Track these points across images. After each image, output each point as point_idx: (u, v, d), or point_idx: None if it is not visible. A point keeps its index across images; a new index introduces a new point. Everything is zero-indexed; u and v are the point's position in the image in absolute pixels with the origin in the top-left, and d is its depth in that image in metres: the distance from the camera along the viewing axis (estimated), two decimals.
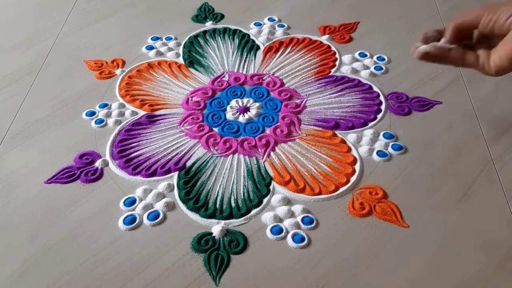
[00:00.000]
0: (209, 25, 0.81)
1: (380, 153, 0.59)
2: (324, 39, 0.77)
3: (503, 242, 0.49)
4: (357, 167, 0.57)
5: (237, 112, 0.64)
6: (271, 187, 0.55)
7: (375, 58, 0.72)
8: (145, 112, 0.65)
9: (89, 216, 0.52)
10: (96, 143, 0.61)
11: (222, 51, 0.76)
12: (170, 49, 0.76)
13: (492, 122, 0.62)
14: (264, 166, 0.58)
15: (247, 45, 0.76)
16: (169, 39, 0.78)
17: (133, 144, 0.61)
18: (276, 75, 0.70)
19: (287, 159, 0.58)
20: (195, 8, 0.85)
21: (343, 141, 0.60)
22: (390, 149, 0.59)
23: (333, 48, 0.75)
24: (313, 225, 0.51)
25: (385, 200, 0.54)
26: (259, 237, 0.50)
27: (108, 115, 0.64)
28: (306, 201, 0.54)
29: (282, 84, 0.69)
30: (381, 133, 0.61)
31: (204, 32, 0.79)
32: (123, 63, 0.73)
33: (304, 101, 0.66)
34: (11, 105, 0.67)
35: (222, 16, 0.83)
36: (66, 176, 0.56)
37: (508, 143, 0.60)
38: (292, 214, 0.52)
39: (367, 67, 0.71)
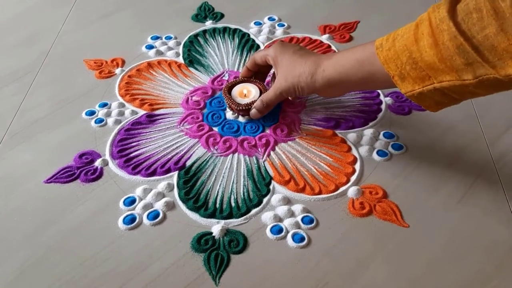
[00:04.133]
0: (209, 24, 0.81)
1: (381, 153, 0.59)
2: (324, 38, 0.77)
3: (503, 242, 0.49)
4: (357, 166, 0.57)
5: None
6: (271, 187, 0.55)
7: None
8: (145, 112, 0.65)
9: (88, 215, 0.52)
10: (95, 142, 0.61)
11: (222, 50, 0.75)
12: (170, 49, 0.76)
13: (492, 122, 0.62)
14: (264, 166, 0.57)
15: (247, 44, 0.76)
16: (169, 38, 0.78)
17: (133, 144, 0.60)
18: None
19: (287, 158, 0.58)
20: (195, 7, 0.85)
21: (343, 141, 0.60)
22: (390, 149, 0.59)
23: (333, 48, 0.75)
24: (313, 224, 0.51)
25: (385, 199, 0.53)
26: (259, 237, 0.50)
27: (108, 114, 0.64)
28: (306, 201, 0.54)
29: None
30: (381, 133, 0.61)
31: (204, 31, 0.79)
32: (123, 62, 0.73)
33: (305, 100, 0.66)
34: (11, 104, 0.67)
35: (222, 16, 0.83)
36: (65, 175, 0.56)
37: (508, 143, 0.60)
38: (292, 214, 0.52)
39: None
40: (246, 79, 0.64)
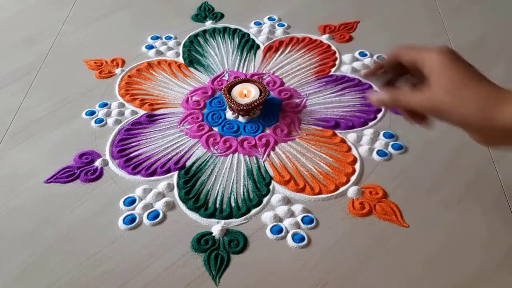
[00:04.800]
0: (209, 24, 0.81)
1: (380, 153, 0.59)
2: (324, 38, 0.77)
3: (503, 242, 0.49)
4: (357, 166, 0.57)
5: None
6: (271, 187, 0.55)
7: (375, 57, 0.72)
8: (145, 112, 0.65)
9: (88, 215, 0.52)
10: (95, 142, 0.61)
11: (222, 50, 0.75)
12: (170, 49, 0.76)
13: None
14: (264, 166, 0.57)
15: (247, 44, 0.76)
16: (169, 38, 0.78)
17: (133, 144, 0.60)
18: (276, 74, 0.70)
19: (287, 158, 0.58)
20: (195, 7, 0.85)
21: (343, 141, 0.60)
22: (390, 149, 0.59)
23: (333, 48, 0.75)
24: (313, 224, 0.51)
25: (385, 199, 0.53)
26: (259, 237, 0.50)
27: (108, 114, 0.64)
28: (306, 201, 0.54)
29: (282, 84, 0.69)
30: (381, 133, 0.61)
31: (204, 31, 0.79)
32: (123, 62, 0.73)
33: (304, 100, 0.66)
34: (11, 104, 0.67)
35: (222, 16, 0.83)
36: (65, 175, 0.56)
37: None
38: (292, 214, 0.52)
39: (367, 67, 0.71)
40: (246, 79, 0.64)
